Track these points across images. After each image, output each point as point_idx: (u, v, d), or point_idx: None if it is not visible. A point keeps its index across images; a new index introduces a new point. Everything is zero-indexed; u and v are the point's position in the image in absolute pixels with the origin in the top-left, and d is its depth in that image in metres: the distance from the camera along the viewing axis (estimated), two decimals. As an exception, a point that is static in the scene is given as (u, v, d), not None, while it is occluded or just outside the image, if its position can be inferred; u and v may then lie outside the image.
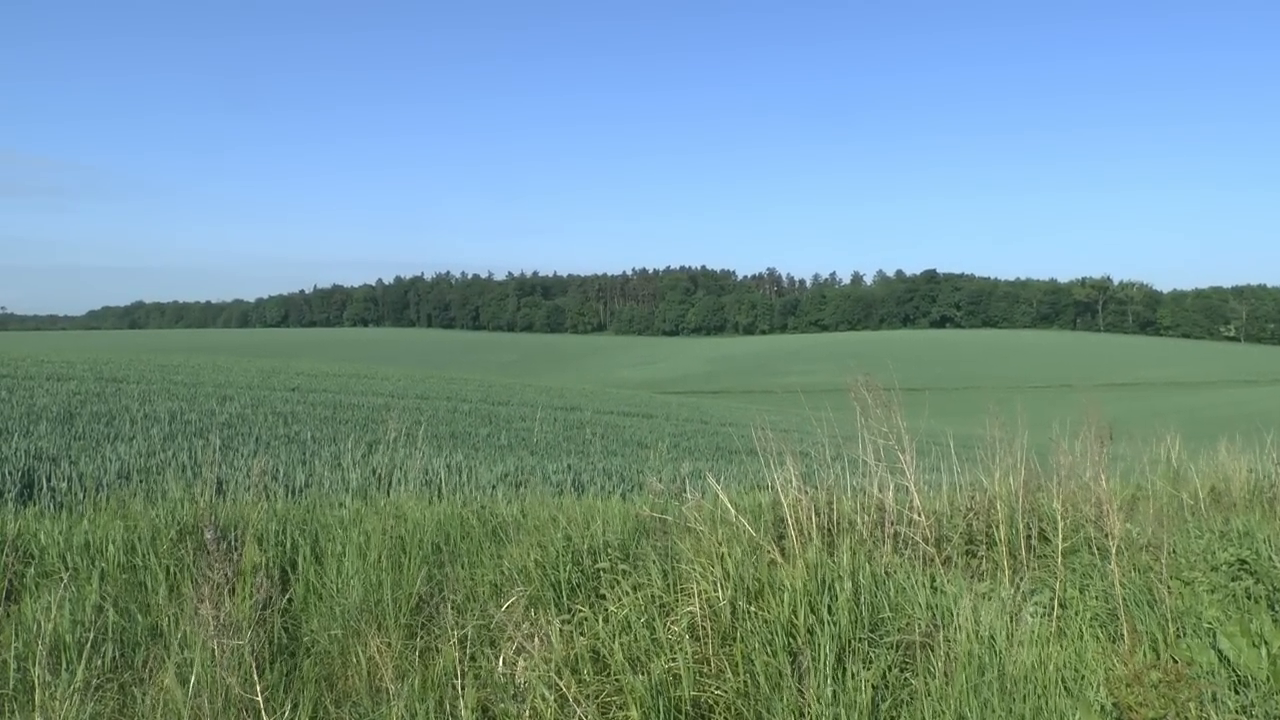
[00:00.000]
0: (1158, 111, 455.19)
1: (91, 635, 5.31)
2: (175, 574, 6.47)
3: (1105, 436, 6.19)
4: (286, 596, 6.32)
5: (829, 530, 6.22)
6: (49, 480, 9.97)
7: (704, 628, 5.19)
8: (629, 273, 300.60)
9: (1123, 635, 4.98)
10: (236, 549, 6.56)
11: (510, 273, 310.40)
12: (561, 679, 4.89)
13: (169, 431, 15.30)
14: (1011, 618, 5.03)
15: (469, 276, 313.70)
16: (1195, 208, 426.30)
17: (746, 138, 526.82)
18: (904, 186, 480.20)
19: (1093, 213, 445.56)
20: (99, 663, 5.31)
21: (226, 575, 5.55)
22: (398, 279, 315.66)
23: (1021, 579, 5.66)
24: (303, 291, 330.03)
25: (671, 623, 5.29)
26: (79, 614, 5.69)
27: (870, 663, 4.83)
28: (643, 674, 4.86)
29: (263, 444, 14.94)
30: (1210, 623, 4.93)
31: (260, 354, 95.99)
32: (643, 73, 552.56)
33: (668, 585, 5.62)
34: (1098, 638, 5.02)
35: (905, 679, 4.77)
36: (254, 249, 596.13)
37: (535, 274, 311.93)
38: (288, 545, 7.02)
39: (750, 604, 5.26)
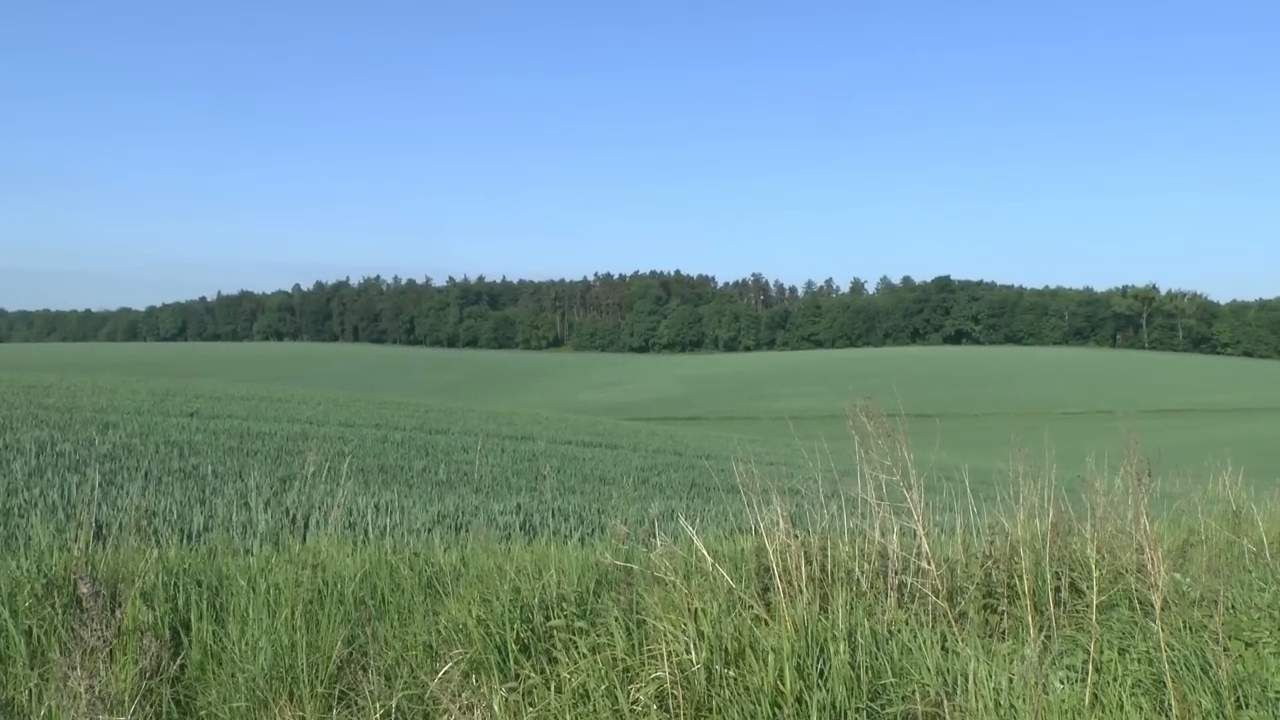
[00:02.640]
0: (1211, 100, 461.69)
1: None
2: (40, 637, 6.36)
3: (1149, 471, 6.24)
4: (179, 662, 6.24)
5: (822, 581, 6.23)
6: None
7: (675, 696, 5.17)
8: (591, 279, 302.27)
9: (1170, 705, 5.00)
10: (117, 605, 6.46)
11: (451, 278, 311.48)
12: (506, 760, 4.85)
13: (36, 465, 15.09)
14: (1037, 684, 5.04)
15: (402, 282, 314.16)
16: (1258, 207, 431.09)
17: (729, 125, 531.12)
18: (912, 181, 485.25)
19: (1136, 212, 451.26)
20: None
21: (104, 638, 5.47)
22: (318, 284, 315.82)
23: (1049, 638, 5.68)
24: (204, 299, 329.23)
25: (636, 691, 5.26)
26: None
27: (872, 738, 4.82)
28: (603, 753, 4.83)
29: (153, 480, 14.78)
30: (1279, 691, 4.96)
31: (152, 373, 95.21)
32: (608, 50, 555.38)
33: (632, 646, 5.60)
34: (1140, 708, 5.04)
35: (913, 757, 4.77)
36: (145, 247, 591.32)
37: (481, 279, 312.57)
38: (181, 601, 6.95)
39: (729, 668, 5.25)
